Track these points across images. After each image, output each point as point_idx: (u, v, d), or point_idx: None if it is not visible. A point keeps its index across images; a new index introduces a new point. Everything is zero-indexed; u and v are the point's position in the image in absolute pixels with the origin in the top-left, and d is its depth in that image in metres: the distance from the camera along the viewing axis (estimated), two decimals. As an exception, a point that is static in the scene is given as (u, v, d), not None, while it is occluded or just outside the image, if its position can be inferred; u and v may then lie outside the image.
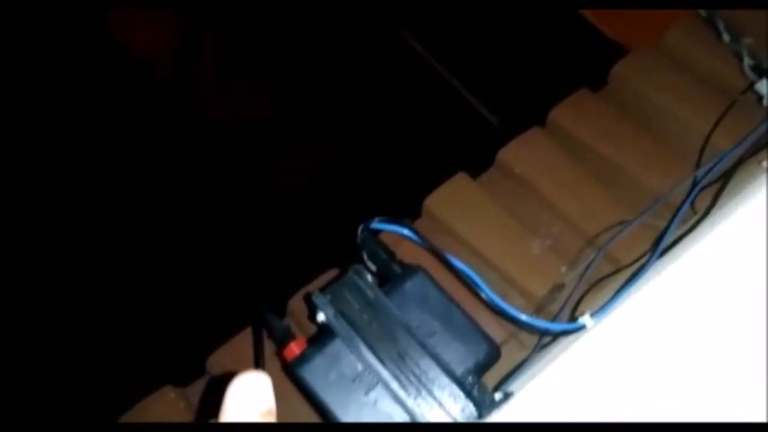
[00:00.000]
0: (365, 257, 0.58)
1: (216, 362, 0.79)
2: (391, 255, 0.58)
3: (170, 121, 1.52)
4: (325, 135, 1.46)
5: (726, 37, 0.79)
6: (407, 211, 1.17)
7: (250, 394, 0.31)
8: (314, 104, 1.52)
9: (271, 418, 0.32)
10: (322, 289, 0.52)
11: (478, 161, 1.13)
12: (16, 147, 1.45)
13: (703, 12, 0.81)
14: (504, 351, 0.86)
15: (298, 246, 1.32)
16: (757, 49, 0.91)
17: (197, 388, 0.84)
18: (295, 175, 1.45)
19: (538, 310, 0.92)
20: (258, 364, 0.64)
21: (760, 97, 0.81)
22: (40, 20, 1.53)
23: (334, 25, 1.59)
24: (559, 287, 0.92)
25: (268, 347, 0.71)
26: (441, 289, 0.54)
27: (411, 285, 0.54)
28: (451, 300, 0.54)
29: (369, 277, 0.54)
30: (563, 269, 0.94)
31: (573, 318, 0.77)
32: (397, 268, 0.57)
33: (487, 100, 1.48)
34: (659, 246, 0.64)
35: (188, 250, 1.37)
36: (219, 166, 1.48)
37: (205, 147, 1.50)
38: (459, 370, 0.51)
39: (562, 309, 0.86)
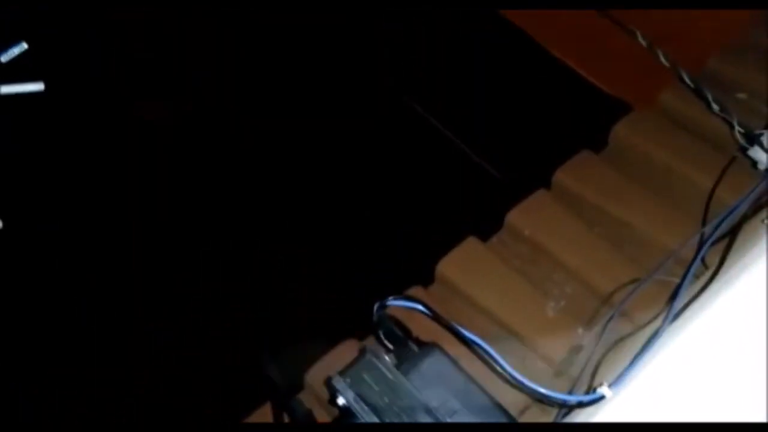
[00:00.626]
0: (382, 336, 0.59)
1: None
2: (407, 333, 0.60)
3: (171, 120, 1.55)
4: (328, 203, 1.48)
5: (715, 107, 0.82)
6: (419, 274, 1.18)
7: None
8: (315, 169, 1.54)
9: None
10: (342, 372, 0.53)
11: (484, 217, 1.14)
12: (16, 147, 1.47)
13: (690, 82, 0.84)
14: (527, 416, 0.86)
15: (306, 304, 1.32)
16: (751, 105, 0.94)
17: None
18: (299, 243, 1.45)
19: (558, 374, 0.91)
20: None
21: (754, 162, 0.83)
22: (40, 20, 1.57)
23: (338, 87, 1.64)
24: (577, 349, 0.92)
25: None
26: (458, 366, 0.55)
27: (428, 364, 0.55)
28: (468, 377, 0.55)
29: (386, 357, 0.55)
30: (580, 330, 0.94)
31: (592, 384, 0.76)
32: (413, 347, 0.58)
33: (490, 157, 1.51)
34: (671, 309, 0.64)
35: (188, 250, 1.37)
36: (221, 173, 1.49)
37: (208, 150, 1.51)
38: (481, 449, 0.51)
39: (581, 373, 0.86)
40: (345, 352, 0.91)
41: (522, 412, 0.85)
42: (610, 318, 0.86)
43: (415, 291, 1.00)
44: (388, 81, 1.67)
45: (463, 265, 1.02)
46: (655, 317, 0.88)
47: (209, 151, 1.63)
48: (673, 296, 0.68)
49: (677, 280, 0.87)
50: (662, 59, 0.84)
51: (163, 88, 1.70)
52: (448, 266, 1.02)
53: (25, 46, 1.44)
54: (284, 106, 1.63)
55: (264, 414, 0.74)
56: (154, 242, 1.42)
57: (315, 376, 0.87)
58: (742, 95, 1.03)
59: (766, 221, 0.72)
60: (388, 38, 1.68)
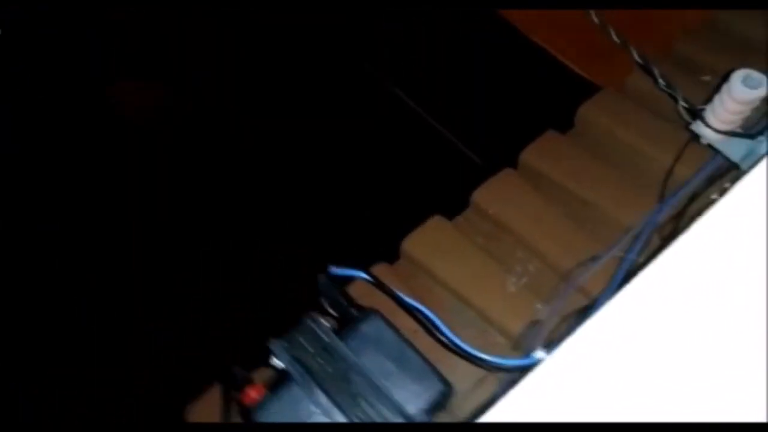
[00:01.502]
0: (326, 304, 0.60)
1: (193, 414, 0.81)
2: (350, 300, 0.61)
3: (172, 119, 1.55)
4: (327, 201, 1.49)
5: (661, 83, 0.83)
6: (386, 253, 1.19)
7: None
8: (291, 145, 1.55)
9: None
10: (279, 336, 0.55)
11: (455, 198, 1.16)
12: (16, 147, 1.47)
13: (639, 59, 0.85)
14: (484, 387, 0.88)
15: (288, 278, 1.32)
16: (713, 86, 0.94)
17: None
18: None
19: (516, 347, 0.93)
20: (226, 415, 0.65)
21: (697, 137, 0.84)
22: (40, 20, 1.57)
23: (318, 70, 1.65)
24: (535, 323, 0.93)
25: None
26: (396, 330, 0.57)
27: (366, 328, 0.56)
28: (405, 341, 0.56)
29: (324, 322, 0.56)
30: (539, 305, 0.95)
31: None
32: (354, 312, 0.59)
33: (464, 139, 1.52)
34: (613, 280, 0.65)
35: (188, 249, 1.38)
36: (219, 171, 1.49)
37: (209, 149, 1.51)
38: (412, 409, 0.52)
39: (538, 345, 0.88)
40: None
41: (479, 382, 0.87)
42: (565, 292, 0.87)
43: (380, 267, 1.01)
44: (382, 77, 1.67)
45: (427, 242, 1.04)
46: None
47: (209, 150, 1.63)
48: (620, 266, 0.70)
49: (633, 257, 0.89)
50: (613, 37, 0.85)
51: (162, 86, 1.70)
52: (413, 243, 1.03)
53: None
54: (283, 105, 1.64)
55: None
56: (154, 242, 1.43)
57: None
58: (706, 77, 1.04)
59: (714, 196, 0.73)
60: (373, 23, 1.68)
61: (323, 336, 0.54)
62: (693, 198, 0.82)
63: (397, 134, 1.60)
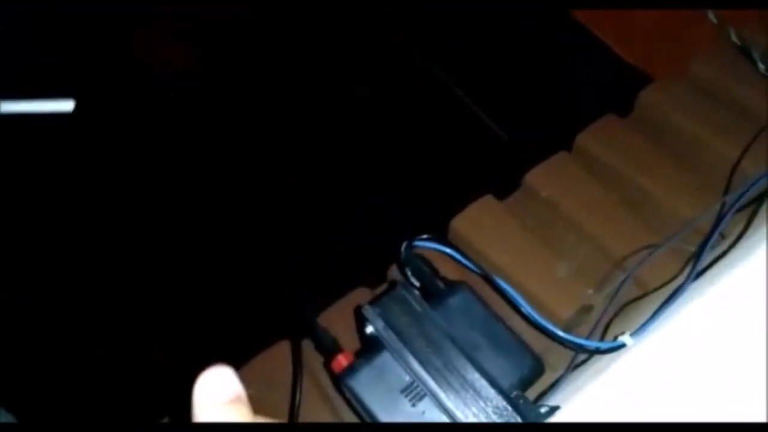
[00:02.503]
0: (409, 273, 0.59)
1: (251, 375, 0.80)
2: (435, 271, 0.60)
3: (173, 119, 1.54)
4: (342, 157, 1.48)
5: (762, 67, 0.81)
6: (432, 232, 1.19)
7: (214, 386, 0.32)
8: (326, 126, 1.54)
9: (242, 405, 0.32)
10: (371, 302, 0.54)
11: (504, 180, 1.15)
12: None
13: (736, 40, 0.83)
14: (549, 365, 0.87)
15: (325, 260, 1.32)
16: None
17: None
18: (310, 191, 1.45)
19: (567, 332, 0.93)
20: (296, 376, 0.65)
21: None
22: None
23: (345, 42, 1.63)
24: (586, 309, 0.93)
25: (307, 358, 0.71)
26: (485, 304, 0.56)
27: (456, 300, 0.55)
28: (494, 315, 0.55)
29: (415, 291, 0.55)
30: (590, 291, 0.94)
31: (602, 339, 0.77)
32: (440, 284, 0.58)
33: (511, 122, 1.51)
34: (694, 269, 0.65)
35: (189, 249, 1.37)
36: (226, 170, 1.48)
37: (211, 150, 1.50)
38: (505, 384, 0.52)
39: (591, 331, 0.87)
40: (358, 298, 0.92)
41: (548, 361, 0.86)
42: (625, 280, 0.87)
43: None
44: (399, 38, 1.65)
45: (478, 222, 1.02)
46: (667, 283, 0.89)
47: (237, 118, 1.61)
48: (698, 255, 0.69)
49: (692, 249, 0.88)
50: (711, 17, 0.83)
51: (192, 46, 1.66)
52: (463, 222, 1.02)
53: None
54: (325, 87, 1.62)
55: (282, 348, 0.74)
56: (154, 242, 1.40)
57: (325, 320, 0.88)
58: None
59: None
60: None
61: (416, 305, 0.53)
62: (763, 195, 0.80)
63: (443, 120, 1.58)
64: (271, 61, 1.64)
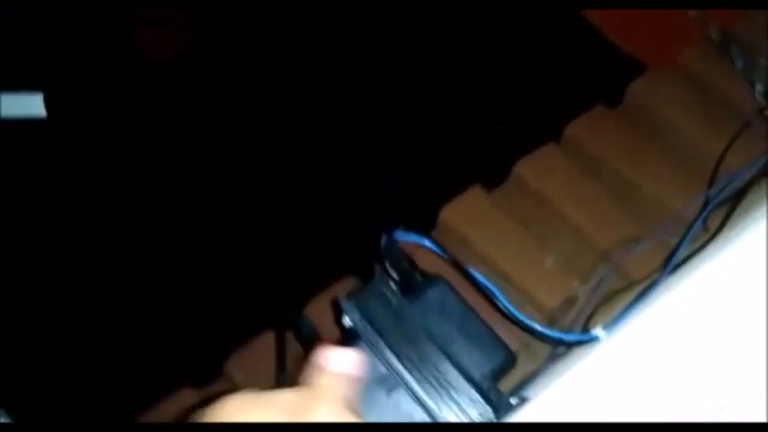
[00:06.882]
0: (388, 265, 0.61)
1: (236, 365, 0.82)
2: (413, 264, 0.61)
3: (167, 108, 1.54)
4: (334, 140, 1.48)
5: (739, 63, 0.81)
6: (420, 221, 1.19)
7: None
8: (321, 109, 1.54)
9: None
10: (349, 294, 0.55)
11: (492, 170, 1.15)
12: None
13: (715, 36, 0.83)
14: (528, 357, 0.89)
15: (310, 257, 1.34)
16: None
17: (215, 390, 0.86)
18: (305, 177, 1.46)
19: (551, 323, 0.94)
20: (280, 367, 0.66)
21: None
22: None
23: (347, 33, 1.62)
24: (571, 300, 0.94)
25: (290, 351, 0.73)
26: (460, 298, 0.57)
27: (432, 293, 0.57)
28: (470, 309, 0.57)
29: (392, 284, 0.56)
30: (576, 283, 0.96)
31: (585, 331, 0.79)
32: (418, 277, 0.59)
33: (499, 111, 1.50)
34: (670, 263, 0.66)
35: (190, 250, 1.38)
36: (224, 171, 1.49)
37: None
38: (477, 375, 0.53)
39: (574, 322, 0.89)
40: (346, 287, 0.93)
41: (526, 353, 0.88)
42: (607, 273, 0.88)
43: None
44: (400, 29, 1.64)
45: (466, 213, 1.03)
46: (650, 275, 0.90)
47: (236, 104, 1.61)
48: (673, 251, 0.70)
49: (678, 241, 0.89)
50: (692, 14, 0.83)
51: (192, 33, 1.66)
52: (451, 213, 1.03)
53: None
54: (333, 80, 1.61)
55: (268, 337, 0.76)
56: (154, 242, 1.40)
57: (312, 310, 0.89)
58: (763, 60, 1.02)
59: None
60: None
61: (392, 298, 0.55)
62: (745, 189, 0.81)
63: (436, 107, 1.58)
64: (267, 58, 1.64)
